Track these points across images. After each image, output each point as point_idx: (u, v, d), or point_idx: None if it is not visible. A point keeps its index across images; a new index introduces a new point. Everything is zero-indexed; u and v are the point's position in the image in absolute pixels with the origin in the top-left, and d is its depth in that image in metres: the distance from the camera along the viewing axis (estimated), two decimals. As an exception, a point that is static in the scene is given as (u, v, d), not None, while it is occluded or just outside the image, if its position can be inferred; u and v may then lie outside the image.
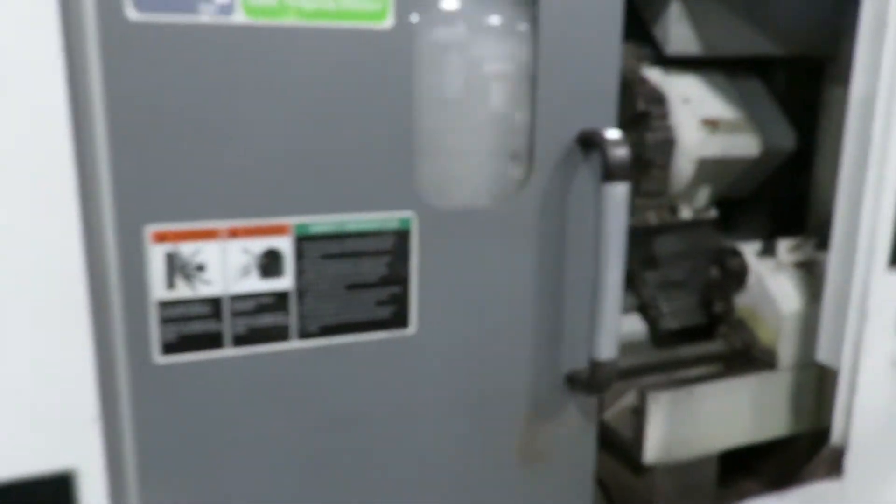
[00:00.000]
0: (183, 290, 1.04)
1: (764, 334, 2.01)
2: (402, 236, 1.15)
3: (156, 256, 1.02)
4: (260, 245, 1.07)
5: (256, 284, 1.08)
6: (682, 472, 1.97)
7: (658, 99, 1.89)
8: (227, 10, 0.98)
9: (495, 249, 1.22)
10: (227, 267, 1.06)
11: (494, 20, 1.18)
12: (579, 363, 1.29)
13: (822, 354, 1.71)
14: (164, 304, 1.03)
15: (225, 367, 1.08)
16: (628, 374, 2.00)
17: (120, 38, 0.94)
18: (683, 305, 2.16)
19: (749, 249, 2.04)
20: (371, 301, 1.15)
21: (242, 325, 1.08)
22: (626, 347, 2.13)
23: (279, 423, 1.13)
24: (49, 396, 0.98)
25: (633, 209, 1.97)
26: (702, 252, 2.13)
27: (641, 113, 1.83)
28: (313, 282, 1.11)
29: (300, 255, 1.09)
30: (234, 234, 1.05)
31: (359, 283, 1.14)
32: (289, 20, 1.01)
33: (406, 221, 1.14)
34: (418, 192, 1.16)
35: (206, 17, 0.97)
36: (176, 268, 1.03)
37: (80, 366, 0.99)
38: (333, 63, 1.05)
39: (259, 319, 1.09)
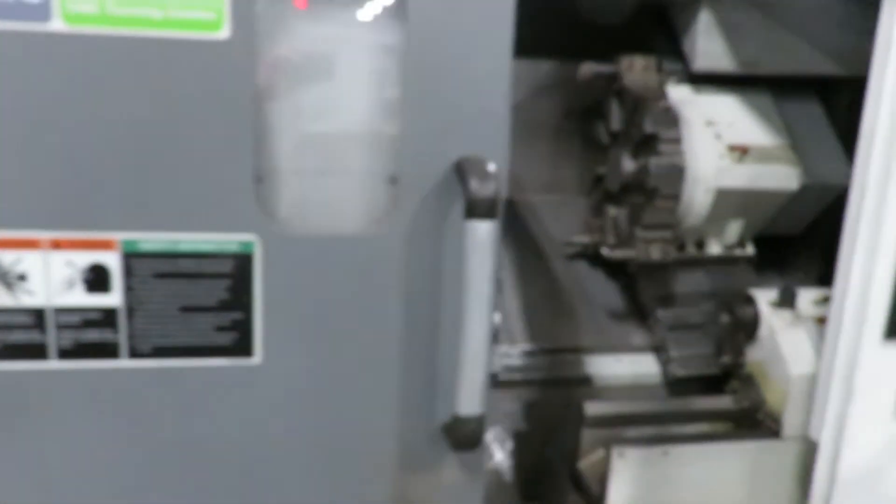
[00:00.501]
0: (4, 299, 1.03)
1: (771, 396, 1.77)
2: (243, 260, 1.08)
3: (-26, 263, 1.01)
4: (85, 259, 1.04)
5: (82, 299, 1.05)
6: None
7: (670, 120, 1.69)
8: (43, 16, 0.95)
9: (356, 281, 1.11)
10: (51, 278, 1.03)
11: (359, 31, 1.07)
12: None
13: (813, 429, 1.46)
14: (-18, 312, 1.03)
15: (51, 379, 1.06)
16: (621, 421, 1.83)
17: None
18: (695, 351, 1.94)
19: (765, 297, 1.79)
20: (209, 326, 1.09)
21: (68, 338, 1.06)
22: (636, 390, 1.95)
23: (110, 440, 1.09)
24: None
25: (635, 242, 1.78)
26: (730, 293, 1.90)
27: (648, 135, 1.64)
28: (144, 300, 1.06)
29: (129, 272, 1.05)
30: (56, 245, 1.03)
31: (195, 307, 1.08)
32: (111, 29, 0.97)
33: (248, 245, 1.07)
34: (270, 213, 1.08)
35: (20, 23, 0.94)
36: (-4, 276, 1.02)
37: None
38: (160, 74, 0.99)
39: (85, 334, 1.06)
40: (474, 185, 1.02)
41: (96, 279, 1.04)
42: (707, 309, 1.87)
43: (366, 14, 1.06)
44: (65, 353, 1.06)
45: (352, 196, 1.14)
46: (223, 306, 1.08)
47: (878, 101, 1.19)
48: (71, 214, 1.02)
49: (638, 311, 1.96)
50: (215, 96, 1.01)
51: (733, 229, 1.80)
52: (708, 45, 1.84)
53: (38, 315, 1.04)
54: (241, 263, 1.07)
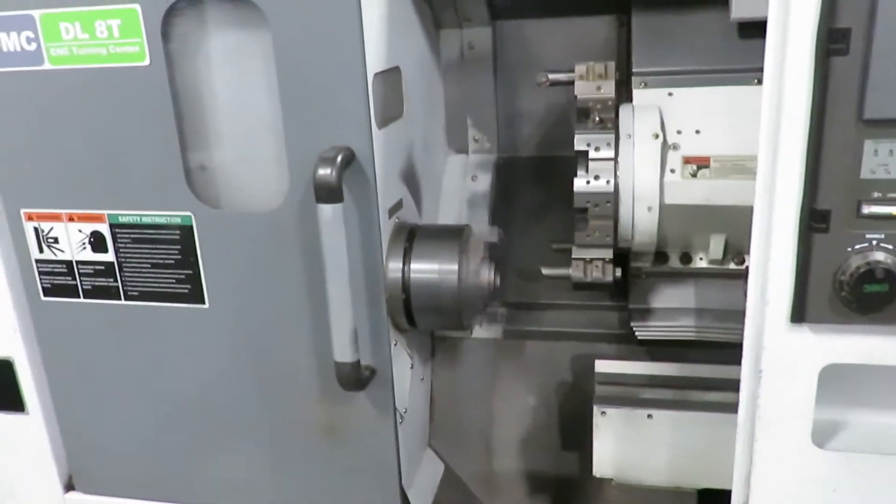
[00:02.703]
0: (48, 254, 1.51)
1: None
2: (186, 230, 1.42)
3: (29, 229, 1.50)
4: (88, 228, 1.47)
5: (91, 255, 1.49)
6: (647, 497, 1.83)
7: (603, 135, 1.64)
8: (38, 61, 1.37)
9: (266, 248, 1.40)
10: (71, 241, 1.49)
11: (244, 46, 1.33)
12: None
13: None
14: (39, 262, 1.52)
15: (81, 311, 1.54)
16: (635, 381, 1.90)
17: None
18: None
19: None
20: (171, 279, 1.47)
21: (88, 283, 1.51)
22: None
23: (115, 357, 1.55)
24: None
25: (566, 261, 1.78)
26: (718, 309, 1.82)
27: (578, 152, 1.63)
28: (128, 258, 1.47)
29: (115, 237, 1.46)
30: (70, 218, 1.47)
31: (160, 264, 1.46)
32: (79, 65, 1.36)
33: (188, 218, 1.42)
34: (203, 195, 1.41)
35: (24, 67, 1.38)
36: (41, 238, 1.50)
37: (2, 300, 1.55)
38: (112, 93, 1.36)
39: (97, 280, 1.51)
40: (319, 173, 1.23)
41: (97, 242, 1.47)
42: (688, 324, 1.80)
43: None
44: (87, 293, 1.52)
45: (261, 180, 1.41)
46: (178, 265, 1.45)
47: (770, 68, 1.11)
48: (77, 198, 1.45)
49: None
50: (149, 110, 1.35)
51: (716, 244, 1.69)
52: (741, -8, 1.71)
53: (68, 265, 1.51)
54: (186, 233, 1.42)
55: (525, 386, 2.19)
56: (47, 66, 1.36)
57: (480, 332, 2.12)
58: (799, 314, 1.17)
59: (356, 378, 1.35)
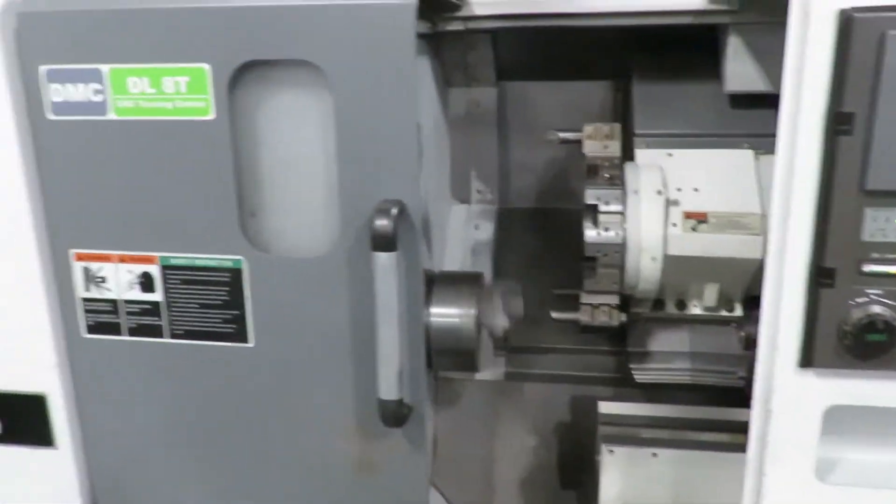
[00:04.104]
0: (94, 293, 1.57)
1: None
2: (236, 273, 1.51)
3: (77, 269, 1.56)
4: (139, 269, 1.54)
5: (139, 295, 1.56)
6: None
7: (612, 190, 1.80)
8: (103, 111, 1.45)
9: (313, 291, 1.49)
10: (120, 281, 1.55)
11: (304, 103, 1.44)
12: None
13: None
14: (85, 300, 1.58)
15: (124, 348, 1.59)
16: (636, 421, 2.01)
17: (44, 130, 1.48)
18: None
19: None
20: (218, 318, 1.54)
21: (133, 321, 1.58)
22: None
23: (153, 394, 1.60)
24: (28, 352, 1.61)
25: (569, 306, 1.92)
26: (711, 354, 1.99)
27: (588, 205, 1.78)
28: (176, 298, 1.55)
29: (165, 278, 1.54)
30: (121, 260, 1.54)
31: (208, 304, 1.54)
32: (143, 117, 1.45)
33: (238, 262, 1.50)
34: (253, 240, 1.50)
35: (90, 116, 1.46)
36: (89, 277, 1.56)
37: (42, 336, 1.59)
38: (174, 144, 1.45)
39: (143, 319, 1.57)
40: (376, 223, 1.34)
41: (146, 282, 1.54)
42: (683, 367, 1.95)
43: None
44: (131, 331, 1.58)
45: (311, 227, 1.51)
46: (225, 305, 1.53)
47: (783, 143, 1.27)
48: (129, 241, 1.53)
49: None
50: (209, 160, 1.45)
51: (710, 292, 1.84)
52: (736, 67, 1.90)
53: (114, 304, 1.57)
54: (235, 276, 1.51)
55: (525, 427, 2.29)
56: (112, 116, 1.45)
57: (482, 374, 2.23)
58: (806, 359, 1.32)
59: (399, 415, 1.44)
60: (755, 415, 1.42)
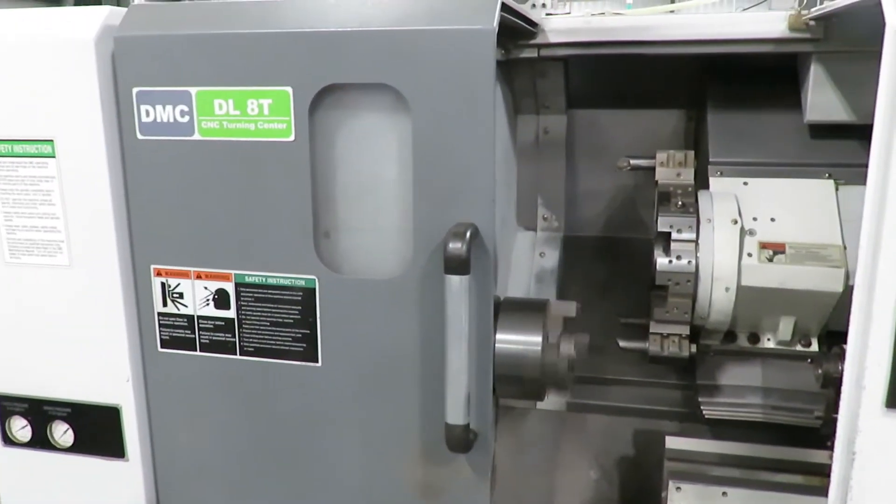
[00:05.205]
0: (171, 308, 1.61)
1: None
2: (308, 293, 1.53)
3: (156, 284, 1.61)
4: (214, 285, 1.58)
5: (213, 311, 1.59)
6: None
7: (685, 218, 1.77)
8: (190, 132, 1.51)
9: (383, 312, 1.50)
10: (196, 297, 1.59)
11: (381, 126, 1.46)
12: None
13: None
14: (161, 315, 1.62)
15: (196, 363, 1.62)
16: (705, 458, 1.96)
17: (133, 149, 1.54)
18: None
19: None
20: (288, 336, 1.56)
21: (206, 337, 1.61)
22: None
23: (223, 409, 1.63)
24: (104, 364, 1.66)
25: (636, 335, 1.88)
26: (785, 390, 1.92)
27: (660, 233, 1.76)
28: (248, 316, 1.57)
29: (239, 296, 1.57)
30: (198, 276, 1.58)
31: (279, 322, 1.56)
32: (227, 138, 1.49)
33: (311, 281, 1.52)
34: (326, 260, 1.52)
35: (177, 137, 1.51)
36: (167, 293, 1.60)
37: (118, 349, 1.64)
38: (255, 164, 1.49)
39: (215, 335, 1.60)
40: (450, 246, 1.35)
41: (220, 299, 1.58)
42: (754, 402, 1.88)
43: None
44: (204, 347, 1.61)
45: (384, 249, 1.52)
46: (296, 324, 1.55)
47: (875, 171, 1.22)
48: (207, 258, 1.56)
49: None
50: (288, 181, 1.48)
51: (786, 326, 1.79)
52: (818, 97, 1.86)
53: (190, 320, 1.61)
54: (308, 295, 1.53)
55: (587, 459, 2.24)
56: (197, 136, 1.50)
57: (544, 403, 2.19)
58: (894, 400, 1.25)
59: (465, 440, 1.42)
60: (838, 457, 1.35)
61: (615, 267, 2.34)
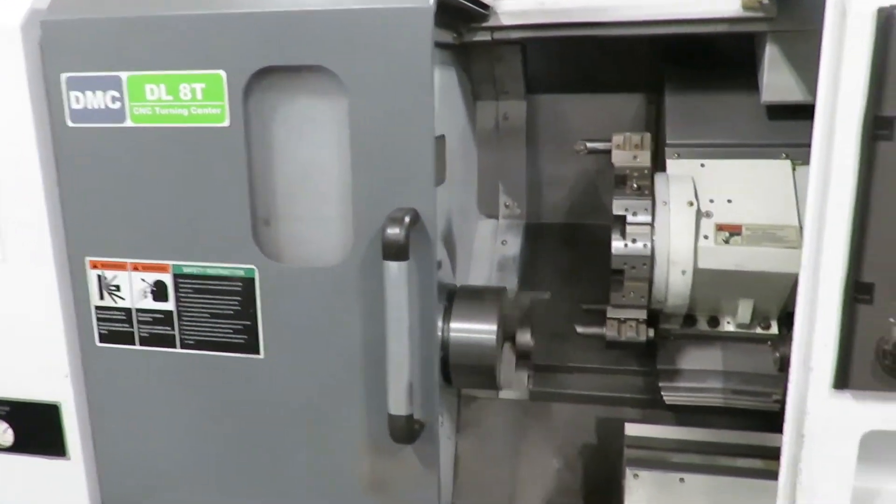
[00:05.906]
0: (108, 301, 1.56)
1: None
2: (248, 282, 1.48)
3: (92, 276, 1.56)
4: (152, 277, 1.53)
5: (151, 304, 1.54)
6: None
7: (640, 201, 1.73)
8: (121, 118, 1.45)
9: (325, 302, 1.45)
10: (133, 289, 1.54)
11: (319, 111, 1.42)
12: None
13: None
14: (99, 308, 1.57)
15: (136, 357, 1.58)
16: (664, 445, 1.93)
17: (64, 138, 1.48)
18: None
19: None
20: (229, 329, 1.52)
21: (145, 330, 1.56)
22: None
23: (165, 404, 1.58)
24: (42, 360, 1.60)
25: (597, 321, 1.85)
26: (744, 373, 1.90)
27: (616, 217, 1.72)
28: (187, 307, 1.53)
29: (177, 287, 1.52)
30: (135, 268, 1.53)
31: (219, 314, 1.51)
32: (160, 124, 1.44)
33: (251, 271, 1.48)
34: (266, 248, 1.47)
35: (108, 123, 1.46)
36: (103, 285, 1.55)
37: (56, 344, 1.59)
38: (189, 151, 1.44)
39: (154, 328, 1.55)
40: (388, 231, 1.30)
41: (158, 291, 1.53)
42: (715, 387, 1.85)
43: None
44: (143, 341, 1.56)
45: (325, 236, 1.48)
46: (237, 315, 1.50)
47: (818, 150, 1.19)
48: (143, 248, 1.51)
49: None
50: (224, 168, 1.43)
51: (744, 308, 1.76)
52: (774, 77, 1.83)
53: (127, 313, 1.56)
54: (247, 285, 1.48)
55: (550, 448, 2.21)
56: (129, 123, 1.45)
57: (507, 392, 2.16)
58: (842, 381, 1.23)
59: (408, 431, 1.38)
60: (787, 440, 1.33)
61: (578, 253, 2.31)
